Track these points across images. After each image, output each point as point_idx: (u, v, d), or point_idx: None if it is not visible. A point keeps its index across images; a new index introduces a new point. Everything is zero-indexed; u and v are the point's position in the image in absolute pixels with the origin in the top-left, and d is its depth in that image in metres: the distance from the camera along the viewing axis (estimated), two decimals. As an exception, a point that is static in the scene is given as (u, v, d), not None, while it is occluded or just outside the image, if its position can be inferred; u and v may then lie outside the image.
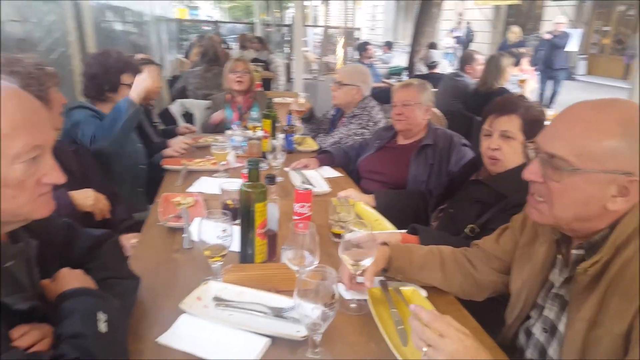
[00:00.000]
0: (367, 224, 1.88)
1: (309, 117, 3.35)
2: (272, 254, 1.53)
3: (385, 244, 1.43)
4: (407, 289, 1.37)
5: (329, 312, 1.05)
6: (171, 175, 2.39)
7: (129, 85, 2.26)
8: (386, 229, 1.86)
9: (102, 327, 0.95)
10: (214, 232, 1.34)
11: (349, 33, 9.00)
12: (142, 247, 1.64)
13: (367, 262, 1.30)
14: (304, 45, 14.15)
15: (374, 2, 25.50)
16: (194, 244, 1.60)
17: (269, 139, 2.70)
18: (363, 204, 2.08)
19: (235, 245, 1.47)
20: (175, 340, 1.14)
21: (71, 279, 1.06)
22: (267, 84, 8.03)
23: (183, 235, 1.67)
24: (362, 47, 7.82)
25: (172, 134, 3.16)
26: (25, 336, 0.89)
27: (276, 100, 5.01)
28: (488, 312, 1.34)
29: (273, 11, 15.51)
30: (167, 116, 4.17)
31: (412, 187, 2.44)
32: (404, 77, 7.99)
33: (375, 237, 1.34)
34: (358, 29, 15.32)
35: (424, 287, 1.41)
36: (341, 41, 8.86)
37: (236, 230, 1.44)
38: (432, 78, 5.68)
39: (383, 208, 2.10)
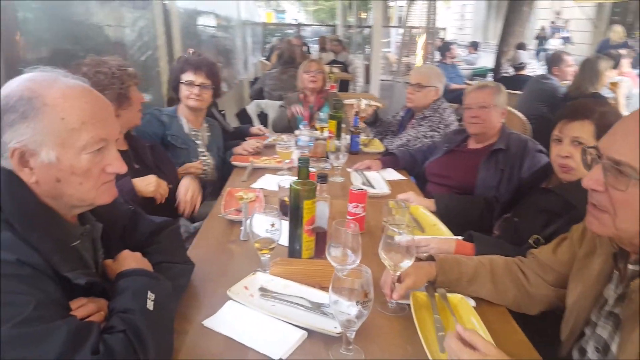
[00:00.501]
0: (423, 227, 1.89)
1: (373, 121, 3.33)
2: (320, 251, 1.55)
3: (431, 257, 1.39)
4: (455, 297, 1.33)
5: (363, 311, 1.05)
6: (238, 171, 2.52)
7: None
8: (442, 234, 1.81)
9: (150, 305, 1.03)
10: (265, 226, 1.40)
11: (432, 33, 8.76)
12: (202, 236, 1.74)
13: (406, 264, 1.27)
14: (386, 46, 14.05)
15: (463, 2, 24.62)
16: (249, 236, 1.67)
17: (333, 139, 2.73)
18: (422, 208, 2.04)
19: (285, 240, 1.52)
20: (219, 324, 1.20)
21: (130, 260, 1.17)
22: (345, 85, 8.09)
23: (240, 227, 1.75)
24: (445, 48, 7.61)
25: (245, 132, 3.30)
26: (82, 307, 0.99)
27: (349, 101, 5.05)
28: (543, 327, 1.26)
29: (358, 12, 15.57)
30: (244, 116, 4.38)
31: (479, 193, 2.34)
32: (489, 79, 7.63)
33: (417, 242, 1.31)
34: (443, 28, 14.86)
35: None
36: (421, 41, 8.65)
37: (285, 225, 1.48)
38: (519, 80, 5.39)
39: (443, 213, 2.05)
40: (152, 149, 2.07)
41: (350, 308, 1.05)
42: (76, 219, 1.13)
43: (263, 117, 4.35)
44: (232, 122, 4.88)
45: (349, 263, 1.30)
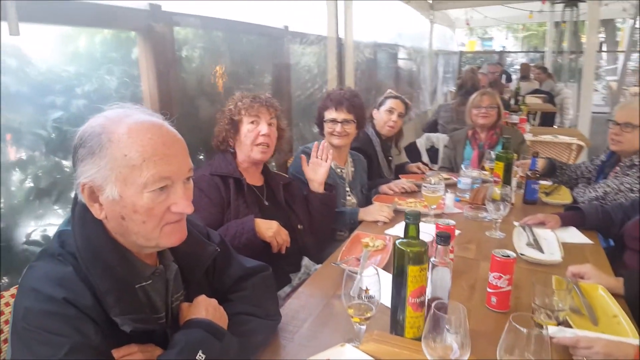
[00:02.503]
0: (597, 319, 1.37)
1: (548, 173, 2.72)
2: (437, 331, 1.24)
3: None
4: None
5: None
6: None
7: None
8: (622, 333, 1.28)
9: None
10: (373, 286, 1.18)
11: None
12: (310, 282, 1.60)
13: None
14: (612, 74, 11.94)
15: None
16: (343, 298, 1.46)
17: (499, 184, 2.30)
18: (602, 289, 1.50)
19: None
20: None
21: (201, 307, 1.09)
22: (548, 118, 7.11)
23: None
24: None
25: (403, 169, 3.09)
26: (128, 357, 0.94)
27: (543, 138, 4.36)
28: None
29: (578, 36, 13.74)
30: (413, 150, 4.15)
31: None
32: None
33: (576, 341, 0.91)
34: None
35: None
36: None
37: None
38: None
39: (635, 300, 1.48)
40: (285, 186, 2.03)
41: None
42: (154, 257, 1.11)
43: (434, 153, 4.06)
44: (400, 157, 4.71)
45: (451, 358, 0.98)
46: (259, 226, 1.72)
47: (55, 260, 0.95)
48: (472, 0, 7.55)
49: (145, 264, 1.06)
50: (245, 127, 1.85)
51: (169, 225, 1.01)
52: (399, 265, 1.19)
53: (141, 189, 0.95)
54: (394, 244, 1.20)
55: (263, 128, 1.84)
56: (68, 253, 0.95)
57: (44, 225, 1.54)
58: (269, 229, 1.74)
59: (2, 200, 1.42)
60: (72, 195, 1.01)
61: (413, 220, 1.18)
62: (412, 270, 1.17)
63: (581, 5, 8.61)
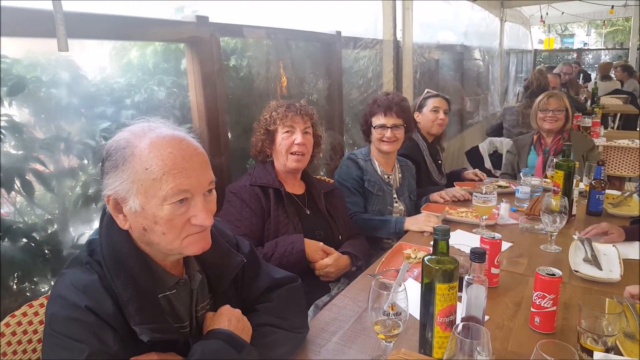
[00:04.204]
0: None
1: None
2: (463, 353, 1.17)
3: None
4: None
5: None
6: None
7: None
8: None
9: None
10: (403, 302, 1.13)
11: None
12: (346, 294, 1.56)
13: None
14: None
15: None
16: (370, 313, 1.41)
17: (558, 194, 2.13)
18: (664, 315, 1.34)
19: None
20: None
21: (224, 318, 1.10)
22: (632, 121, 6.52)
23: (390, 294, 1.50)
24: None
25: (459, 176, 2.96)
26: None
27: (618, 143, 4.01)
28: None
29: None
30: (474, 154, 3.97)
31: None
32: None
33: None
34: None
35: None
36: None
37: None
38: None
39: None
40: (327, 194, 2.01)
41: None
42: (180, 267, 1.13)
43: (497, 158, 3.85)
44: (461, 162, 4.53)
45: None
46: (308, 246, 1.74)
47: (83, 268, 0.99)
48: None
49: (170, 273, 1.08)
50: (280, 137, 1.85)
51: (191, 236, 1.02)
52: (427, 282, 1.14)
53: (161, 202, 0.96)
54: (423, 260, 1.15)
55: (297, 137, 1.83)
56: (95, 261, 0.99)
57: (90, 230, 1.63)
58: (315, 251, 1.76)
59: (56, 206, 1.54)
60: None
61: (442, 236, 1.12)
62: (440, 288, 1.11)
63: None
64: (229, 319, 1.10)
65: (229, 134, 2.12)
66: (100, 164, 1.02)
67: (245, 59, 2.25)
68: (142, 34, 1.73)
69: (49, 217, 1.58)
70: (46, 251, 1.55)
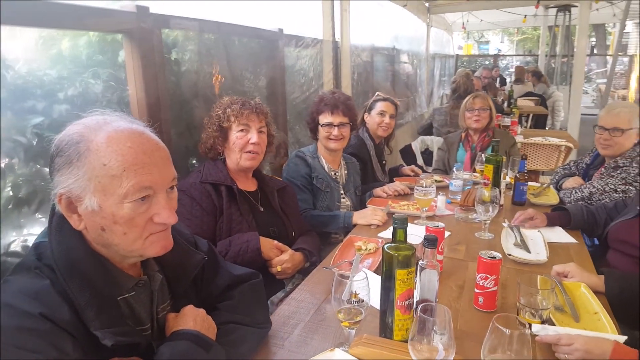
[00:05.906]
0: (579, 316, 1.37)
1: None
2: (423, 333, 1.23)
3: None
4: None
5: None
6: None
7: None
8: (601, 329, 1.29)
9: None
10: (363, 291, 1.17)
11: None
12: (302, 288, 1.59)
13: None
14: (603, 77, 12.05)
15: None
16: (333, 302, 1.45)
17: (489, 186, 2.30)
18: (584, 287, 1.51)
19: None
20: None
21: (189, 318, 1.07)
22: (541, 121, 7.16)
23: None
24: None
25: (397, 172, 3.08)
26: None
27: (533, 140, 4.37)
28: None
29: (571, 39, 13.85)
30: (408, 152, 4.15)
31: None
32: None
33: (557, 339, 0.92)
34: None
35: None
36: (636, 70, 7.09)
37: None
38: None
39: (615, 298, 1.49)
40: (280, 191, 2.01)
41: None
42: (138, 268, 1.08)
43: (428, 155, 4.06)
44: (395, 159, 4.70)
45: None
46: (264, 245, 1.72)
47: (32, 273, 0.90)
48: (469, 2, 7.56)
49: (128, 275, 1.03)
50: (235, 135, 1.81)
51: (153, 235, 0.98)
52: (387, 269, 1.19)
53: (121, 200, 0.91)
54: (383, 248, 1.20)
55: (253, 136, 1.80)
56: (45, 266, 0.91)
57: (24, 235, 1.49)
58: (270, 249, 1.74)
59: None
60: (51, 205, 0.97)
61: (400, 224, 1.17)
62: (399, 273, 1.16)
63: (573, 10, 8.69)
64: (194, 319, 1.07)
65: (171, 130, 2.04)
66: (49, 160, 0.94)
67: (187, 53, 2.18)
68: (77, 23, 1.61)
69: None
70: (-28, 261, 1.39)
